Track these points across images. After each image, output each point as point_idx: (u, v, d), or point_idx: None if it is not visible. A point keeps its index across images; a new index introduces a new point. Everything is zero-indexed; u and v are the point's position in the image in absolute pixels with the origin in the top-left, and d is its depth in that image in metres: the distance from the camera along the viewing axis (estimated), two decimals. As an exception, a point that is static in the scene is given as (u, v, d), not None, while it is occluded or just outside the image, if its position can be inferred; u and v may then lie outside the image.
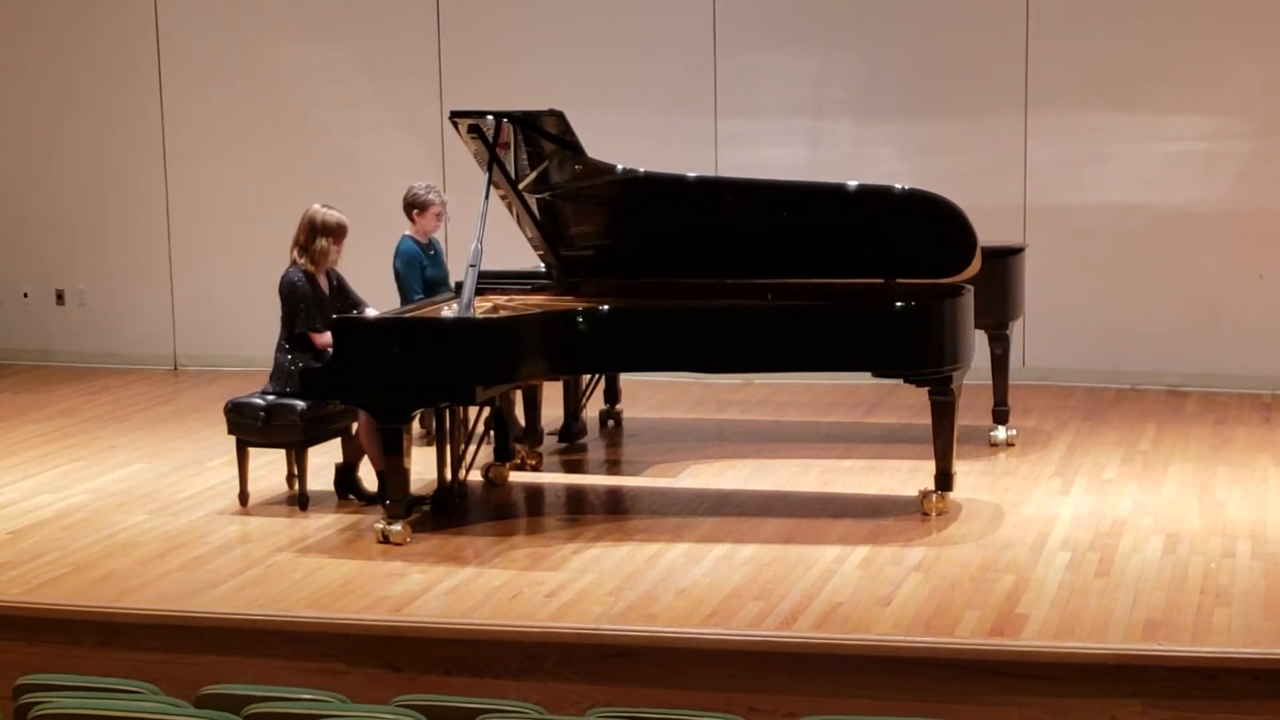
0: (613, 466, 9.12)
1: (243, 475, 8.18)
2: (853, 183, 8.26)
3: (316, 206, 8.23)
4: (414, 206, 9.02)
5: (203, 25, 11.87)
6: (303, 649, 6.53)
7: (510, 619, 6.53)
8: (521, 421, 9.02)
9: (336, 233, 8.17)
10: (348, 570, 7.18)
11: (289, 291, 8.09)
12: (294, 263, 8.15)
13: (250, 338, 10.90)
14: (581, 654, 6.33)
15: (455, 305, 8.00)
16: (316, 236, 8.13)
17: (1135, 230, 10.62)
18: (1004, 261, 8.97)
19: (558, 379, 8.93)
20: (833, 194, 8.32)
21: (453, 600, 6.77)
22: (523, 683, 6.30)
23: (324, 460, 8.43)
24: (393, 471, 7.57)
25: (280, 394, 8.08)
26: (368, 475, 8.21)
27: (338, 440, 8.28)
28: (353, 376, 7.55)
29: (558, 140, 8.14)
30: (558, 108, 8.14)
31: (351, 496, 8.24)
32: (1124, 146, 10.61)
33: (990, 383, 9.14)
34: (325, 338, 8.01)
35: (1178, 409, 10.03)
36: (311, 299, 8.09)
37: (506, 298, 8.43)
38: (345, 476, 8.28)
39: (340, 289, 8.31)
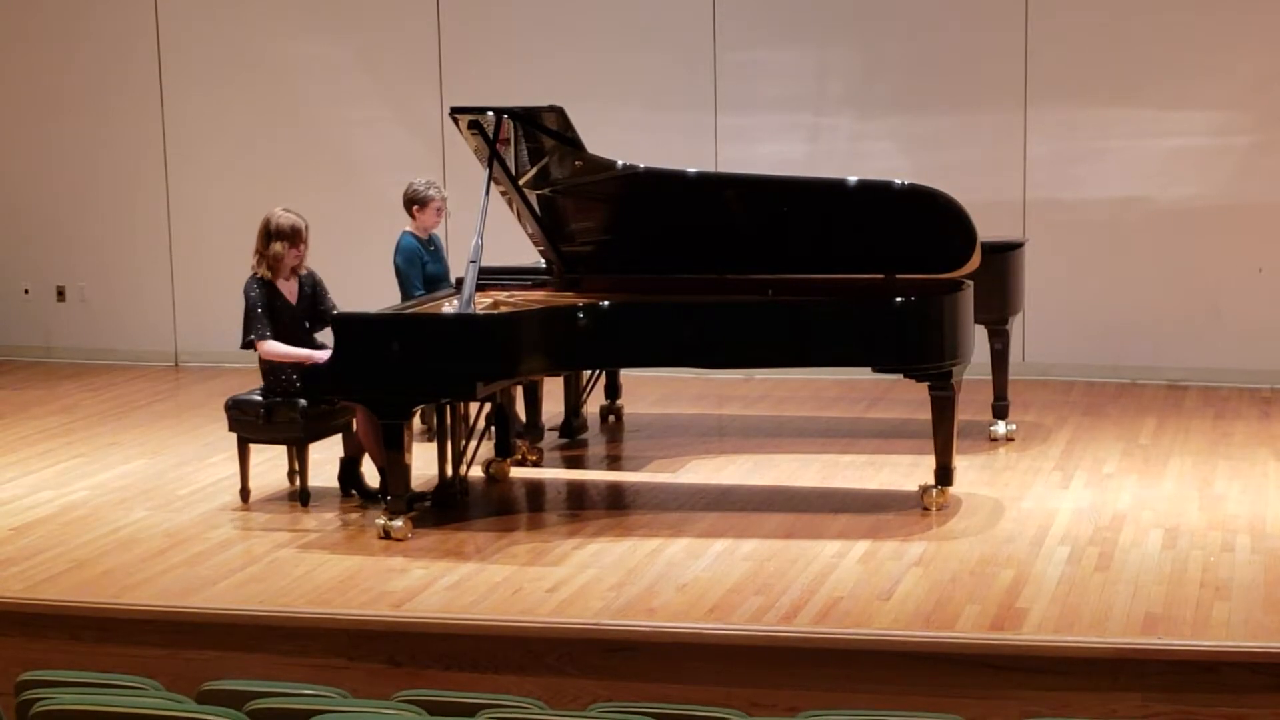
0: (613, 462, 9.13)
1: (244, 471, 8.19)
2: (852, 178, 8.26)
3: (275, 210, 8.09)
4: (414, 202, 9.02)
5: (203, 21, 11.87)
6: (304, 644, 6.54)
7: (511, 614, 6.54)
8: (522, 417, 9.04)
9: (290, 237, 8.00)
10: (349, 566, 7.19)
11: (244, 300, 7.98)
12: (253, 270, 8.04)
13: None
14: (583, 649, 6.34)
15: (456, 301, 8.00)
16: (270, 241, 8.00)
17: (1135, 225, 10.63)
18: (1004, 256, 8.98)
19: (558, 375, 8.94)
20: (832, 189, 8.31)
21: (454, 595, 6.78)
22: (524, 678, 6.30)
23: (325, 456, 8.44)
24: (394, 467, 7.57)
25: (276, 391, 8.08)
26: (370, 471, 8.22)
27: (339, 436, 8.28)
28: (353, 373, 7.55)
29: (558, 136, 8.15)
30: (558, 104, 8.14)
31: (354, 492, 8.24)
32: (1123, 141, 10.61)
33: (990, 378, 9.15)
34: (268, 347, 7.92)
35: (1177, 403, 10.04)
36: (264, 307, 7.94)
37: (507, 294, 8.43)
38: (348, 471, 8.28)
39: (314, 295, 8.19)
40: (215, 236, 11.89)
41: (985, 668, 6.05)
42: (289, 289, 8.10)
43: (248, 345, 7.99)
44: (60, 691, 4.79)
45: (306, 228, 8.09)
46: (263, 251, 8.03)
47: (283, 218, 8.05)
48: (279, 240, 8.01)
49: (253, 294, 7.97)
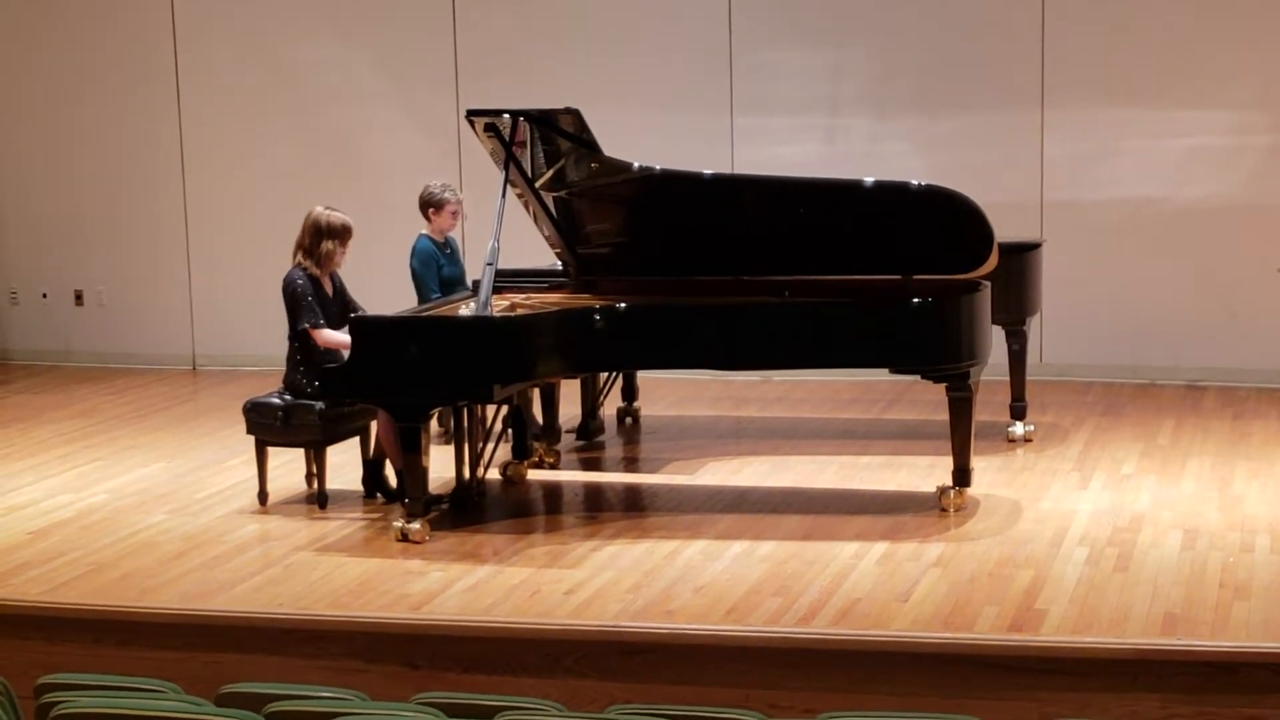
0: (630, 464, 9.13)
1: (262, 475, 8.20)
2: (869, 179, 8.25)
3: (319, 209, 8.17)
4: (430, 205, 9.03)
5: (219, 24, 11.90)
6: (323, 647, 6.55)
7: (529, 616, 6.54)
8: (539, 419, 9.04)
9: (342, 234, 8.12)
10: (367, 569, 7.20)
11: (290, 291, 8.03)
12: (297, 264, 8.11)
13: (268, 337, 10.86)
14: (600, 651, 6.34)
15: (472, 304, 8.01)
16: (322, 239, 8.08)
17: (1152, 225, 10.60)
18: (1021, 257, 8.97)
19: (575, 377, 8.94)
20: (849, 190, 8.31)
21: (472, 598, 6.79)
22: (542, 680, 6.31)
23: (343, 459, 8.45)
24: (411, 470, 7.58)
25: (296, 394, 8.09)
26: (391, 473, 8.22)
27: (356, 439, 8.29)
28: (371, 376, 7.56)
29: (574, 138, 8.15)
30: (574, 106, 8.15)
31: (379, 495, 8.25)
32: (1140, 141, 10.59)
33: (1008, 378, 9.13)
34: (325, 335, 7.99)
35: (1196, 404, 10.02)
36: (313, 296, 8.03)
37: (524, 296, 8.44)
38: (373, 473, 8.28)
39: (340, 293, 8.26)
40: (232, 240, 11.92)
41: (1004, 669, 6.05)
42: (326, 284, 8.17)
43: (300, 334, 8.02)
44: (79, 694, 4.80)
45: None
46: (311, 248, 8.09)
47: (333, 216, 8.14)
48: (331, 238, 8.09)
49: (301, 283, 8.02)
